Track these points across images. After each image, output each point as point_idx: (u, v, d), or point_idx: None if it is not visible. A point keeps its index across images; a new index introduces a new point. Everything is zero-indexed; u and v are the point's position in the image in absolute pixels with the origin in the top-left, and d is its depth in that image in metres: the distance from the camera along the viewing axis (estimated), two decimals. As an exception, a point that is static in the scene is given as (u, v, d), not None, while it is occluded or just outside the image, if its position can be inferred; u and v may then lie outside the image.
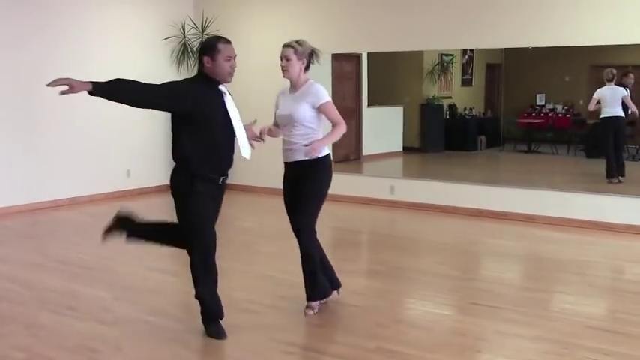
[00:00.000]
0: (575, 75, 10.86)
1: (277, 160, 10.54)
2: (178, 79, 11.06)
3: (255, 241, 7.33)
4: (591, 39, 7.78)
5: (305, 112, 4.85)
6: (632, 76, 9.25)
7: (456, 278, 5.98)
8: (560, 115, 11.70)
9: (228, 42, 4.38)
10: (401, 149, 11.88)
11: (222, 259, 6.25)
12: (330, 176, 5.14)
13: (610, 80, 9.02)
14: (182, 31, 10.57)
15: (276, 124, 5.13)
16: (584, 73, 10.58)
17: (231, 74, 4.42)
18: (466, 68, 12.44)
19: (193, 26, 10.62)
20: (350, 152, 11.31)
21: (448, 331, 4.65)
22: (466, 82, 12.48)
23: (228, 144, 4.42)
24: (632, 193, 7.92)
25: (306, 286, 4.95)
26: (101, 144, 9.59)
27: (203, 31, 10.52)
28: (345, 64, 10.99)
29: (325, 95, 4.89)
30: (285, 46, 4.87)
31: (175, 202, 4.43)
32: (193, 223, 4.38)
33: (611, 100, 9.02)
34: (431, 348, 4.27)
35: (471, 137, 12.38)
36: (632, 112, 9.04)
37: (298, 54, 4.82)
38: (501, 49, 9.49)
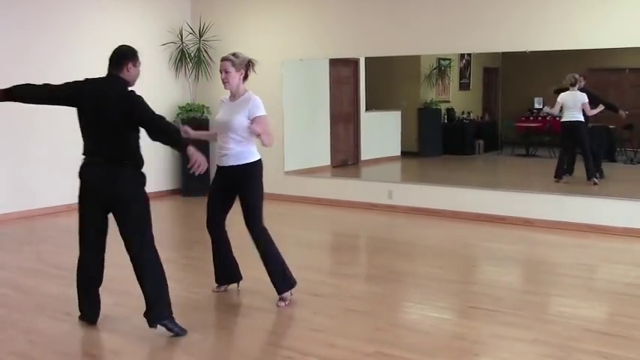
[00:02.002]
0: (572, 78, 10.87)
1: (274, 166, 10.60)
2: (176, 84, 11.16)
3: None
4: (588, 42, 7.79)
5: (241, 121, 5.11)
6: (582, 79, 9.45)
7: (455, 282, 5.98)
8: (557, 119, 11.71)
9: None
10: (399, 153, 11.89)
11: (221, 264, 6.25)
12: (262, 177, 5.44)
13: (573, 85, 9.19)
14: (180, 36, 10.58)
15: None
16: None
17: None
18: (464, 72, 12.46)
19: (191, 32, 10.63)
20: (348, 157, 11.33)
21: (447, 335, 4.65)
22: (464, 86, 12.49)
23: None
24: (629, 196, 7.92)
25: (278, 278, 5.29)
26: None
27: (201, 36, 10.53)
28: (342, 69, 11.01)
29: (261, 109, 5.20)
30: (223, 59, 5.19)
31: (135, 203, 4.55)
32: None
33: (572, 105, 9.27)
34: (429, 352, 4.27)
35: (469, 141, 12.39)
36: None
37: (236, 65, 5.15)
38: (499, 53, 9.50)
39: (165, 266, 6.41)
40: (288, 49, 10.05)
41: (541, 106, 11.95)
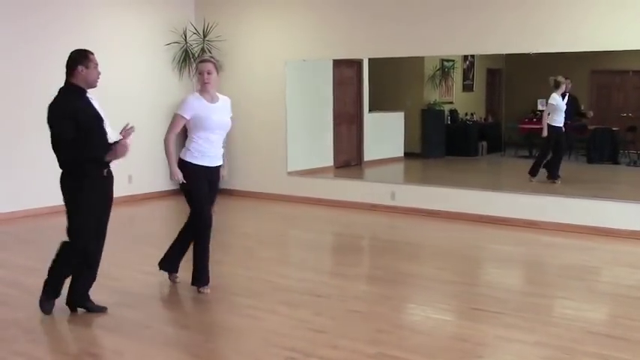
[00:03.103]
0: (576, 80, 10.85)
1: (277, 166, 10.58)
2: (179, 84, 11.16)
3: (255, 246, 7.33)
4: (592, 44, 7.78)
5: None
6: (569, 81, 9.51)
7: (457, 284, 5.97)
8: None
9: (92, 53, 4.82)
10: (402, 154, 11.87)
11: (222, 264, 6.27)
12: None
13: (556, 87, 9.33)
14: (184, 37, 10.59)
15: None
16: (585, 78, 10.58)
17: (98, 80, 4.86)
18: (467, 74, 12.44)
19: (195, 32, 10.63)
20: (351, 158, 11.33)
21: (449, 337, 4.65)
22: (467, 87, 12.48)
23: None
24: (633, 199, 7.90)
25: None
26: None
27: (204, 36, 10.53)
28: (345, 70, 11.01)
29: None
30: (206, 61, 5.35)
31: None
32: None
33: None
34: (432, 353, 4.26)
35: (472, 142, 12.36)
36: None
37: (216, 68, 5.33)
38: (502, 55, 9.49)
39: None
40: (291, 49, 10.06)
41: (544, 108, 11.94)
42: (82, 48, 4.87)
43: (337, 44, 9.67)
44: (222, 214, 9.71)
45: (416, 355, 4.22)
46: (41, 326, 4.81)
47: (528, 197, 8.42)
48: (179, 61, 10.64)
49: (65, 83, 4.78)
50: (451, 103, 12.26)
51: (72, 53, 4.80)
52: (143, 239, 7.60)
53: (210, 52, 10.47)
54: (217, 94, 5.42)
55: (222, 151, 5.47)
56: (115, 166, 5.01)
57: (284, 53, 10.07)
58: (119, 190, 9.62)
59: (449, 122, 12.22)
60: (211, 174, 5.44)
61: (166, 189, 10.58)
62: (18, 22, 8.74)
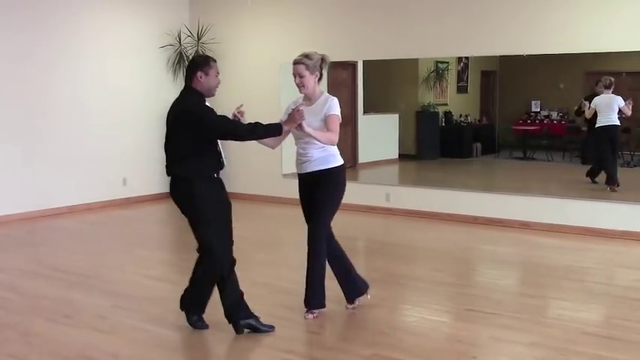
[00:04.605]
0: (569, 82, 10.91)
1: (273, 168, 10.56)
2: (173, 87, 11.13)
3: (250, 248, 7.32)
4: (586, 46, 7.81)
5: (321, 126, 4.82)
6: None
7: (452, 285, 5.98)
8: (555, 122, 11.74)
9: (215, 60, 4.57)
10: (397, 156, 11.90)
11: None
12: (343, 184, 5.10)
13: (608, 87, 9.02)
14: (178, 39, 10.59)
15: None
16: (578, 79, 10.63)
17: (216, 88, 4.58)
18: (461, 75, 12.49)
19: (189, 35, 10.64)
20: (346, 160, 11.21)
21: (444, 338, 4.66)
22: (461, 89, 12.52)
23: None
24: (626, 200, 7.94)
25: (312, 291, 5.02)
26: (97, 152, 9.58)
27: (199, 39, 10.54)
28: (340, 72, 11.02)
29: (336, 108, 4.87)
30: (296, 63, 4.92)
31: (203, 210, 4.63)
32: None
33: (606, 108, 9.04)
34: (427, 355, 4.27)
35: (467, 144, 12.41)
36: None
37: (310, 68, 4.91)
38: (496, 57, 9.53)
39: (163, 269, 6.43)
40: (286, 51, 10.02)
41: (538, 109, 11.97)
42: (206, 54, 4.71)
43: (332, 46, 9.64)
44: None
45: (411, 357, 4.23)
46: (37, 329, 4.80)
47: (522, 198, 8.43)
48: (173, 63, 10.64)
49: (187, 87, 4.52)
50: (445, 104, 12.31)
51: (193, 58, 4.66)
52: (138, 242, 7.59)
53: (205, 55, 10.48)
54: (325, 93, 4.99)
55: (317, 155, 4.95)
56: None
57: (279, 55, 10.06)
58: (114, 192, 9.79)
59: (443, 124, 12.26)
60: (308, 184, 5.07)
61: (161, 191, 10.57)
62: (13, 27, 8.75)
